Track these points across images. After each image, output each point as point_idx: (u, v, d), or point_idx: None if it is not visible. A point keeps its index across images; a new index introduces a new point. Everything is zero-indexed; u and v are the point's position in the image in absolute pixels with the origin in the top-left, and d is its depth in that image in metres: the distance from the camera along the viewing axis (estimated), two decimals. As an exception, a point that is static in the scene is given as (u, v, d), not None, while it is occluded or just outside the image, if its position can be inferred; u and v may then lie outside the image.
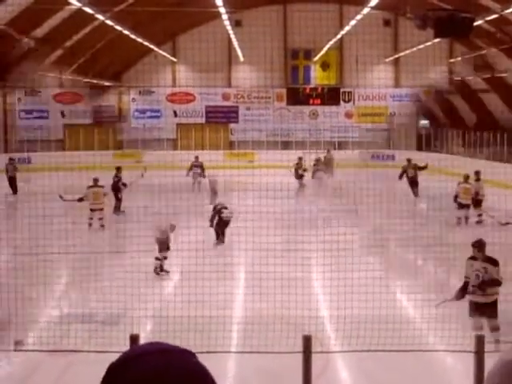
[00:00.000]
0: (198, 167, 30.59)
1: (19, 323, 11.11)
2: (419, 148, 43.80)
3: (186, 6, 34.92)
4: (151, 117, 44.17)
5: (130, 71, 43.63)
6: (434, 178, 25.38)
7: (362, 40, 36.02)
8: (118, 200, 24.88)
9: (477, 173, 23.81)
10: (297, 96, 44.05)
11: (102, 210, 22.44)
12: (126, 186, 24.88)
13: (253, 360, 10.19)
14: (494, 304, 11.03)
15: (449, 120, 43.50)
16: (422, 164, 28.47)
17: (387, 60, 43.50)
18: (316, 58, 43.60)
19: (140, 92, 44.23)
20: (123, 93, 44.92)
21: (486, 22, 32.12)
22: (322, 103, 44.09)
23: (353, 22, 32.58)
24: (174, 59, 43.80)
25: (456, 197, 23.05)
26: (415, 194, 28.85)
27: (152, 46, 38.84)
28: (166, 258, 15.76)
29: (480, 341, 8.04)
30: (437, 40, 31.70)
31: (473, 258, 11.13)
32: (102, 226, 22.12)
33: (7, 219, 23.32)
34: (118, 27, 32.00)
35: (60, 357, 10.07)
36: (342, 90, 44.59)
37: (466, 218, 22.93)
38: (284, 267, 12.60)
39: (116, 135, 44.96)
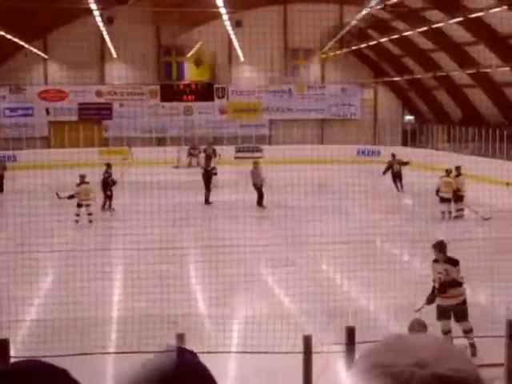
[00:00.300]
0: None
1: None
2: (404, 143, 44.45)
3: (56, 2, 34.12)
4: (23, 115, 42.92)
5: (0, 69, 42.14)
6: (420, 174, 25.73)
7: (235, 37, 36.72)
8: (107, 197, 25.05)
9: (457, 168, 23.97)
10: (171, 92, 43.89)
11: (89, 205, 23.19)
12: (115, 183, 25.36)
13: (131, 360, 10.33)
14: (462, 305, 10.77)
15: (434, 115, 43.96)
16: (405, 159, 28.98)
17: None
18: (189, 55, 43.63)
19: (10, 89, 42.92)
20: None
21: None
22: (196, 99, 44.08)
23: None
24: (46, 56, 42.73)
25: (437, 191, 23.38)
26: (399, 188, 29.27)
27: (22, 43, 37.76)
28: None
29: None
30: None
31: (436, 260, 10.93)
32: (91, 221, 22.82)
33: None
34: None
35: None
36: (215, 86, 44.84)
37: (450, 212, 23.26)
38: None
39: (101, 132, 44.12)
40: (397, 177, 29.51)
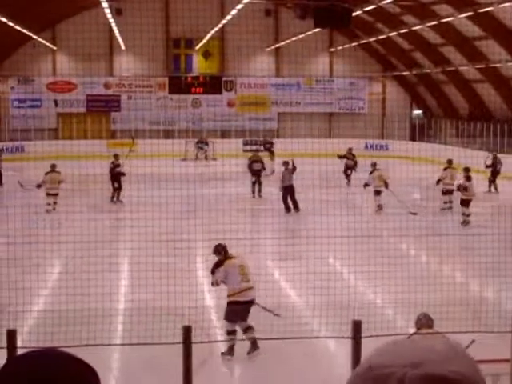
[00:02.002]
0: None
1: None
2: (413, 138, 44.22)
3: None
4: (31, 106, 43.00)
5: (9, 60, 42.23)
6: (427, 169, 25.67)
7: (243, 30, 36.65)
8: (114, 189, 25.10)
9: (449, 161, 24.27)
10: (179, 85, 44.04)
11: (57, 194, 23.84)
12: (123, 175, 25.48)
13: (137, 351, 10.38)
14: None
15: (442, 110, 43.77)
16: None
17: (268, 49, 44.20)
18: (198, 47, 43.70)
19: (19, 80, 43.02)
20: (1, 81, 43.57)
21: (365, 12, 33.30)
22: (205, 92, 44.28)
23: (234, 12, 32.77)
24: (54, 47, 42.80)
25: (440, 181, 23.75)
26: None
27: (31, 34, 37.78)
28: None
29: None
30: (317, 30, 32.53)
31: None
32: (54, 209, 23.45)
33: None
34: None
35: None
36: (223, 79, 44.91)
37: (451, 202, 23.50)
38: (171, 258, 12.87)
39: (109, 124, 44.20)
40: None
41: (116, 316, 12.30)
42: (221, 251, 11.42)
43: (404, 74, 44.62)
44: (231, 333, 10.95)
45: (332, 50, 45.16)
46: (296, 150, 34.74)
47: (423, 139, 42.85)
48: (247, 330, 10.90)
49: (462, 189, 21.94)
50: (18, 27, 34.17)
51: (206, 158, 39.79)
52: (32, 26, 36.63)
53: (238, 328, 10.96)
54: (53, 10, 38.01)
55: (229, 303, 11.12)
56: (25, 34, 37.10)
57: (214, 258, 11.52)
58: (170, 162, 25.48)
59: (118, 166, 25.91)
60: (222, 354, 10.85)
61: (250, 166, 27.45)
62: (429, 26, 33.95)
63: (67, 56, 43.28)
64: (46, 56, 43.44)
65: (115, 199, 25.62)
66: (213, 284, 11.44)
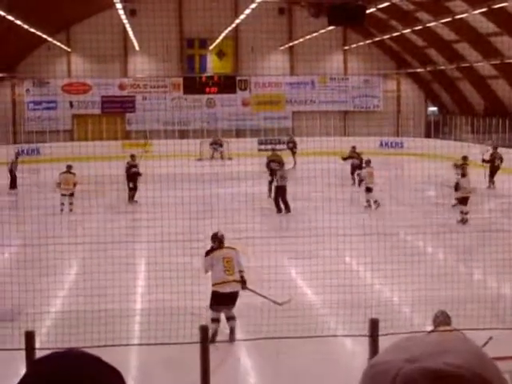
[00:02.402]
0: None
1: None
2: (428, 135, 43.87)
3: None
4: (47, 108, 43.21)
5: (24, 62, 42.51)
6: (443, 165, 25.59)
7: (257, 29, 36.67)
8: (130, 189, 25.29)
9: (464, 158, 24.42)
10: (193, 85, 44.13)
11: (72, 195, 24.21)
12: (140, 175, 25.87)
13: (156, 351, 10.39)
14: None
15: (457, 106, 43.63)
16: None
17: (282, 48, 44.19)
18: (212, 47, 43.76)
19: (34, 83, 43.25)
20: (17, 84, 43.85)
21: (379, 9, 33.21)
22: (219, 92, 44.34)
23: (247, 11, 32.79)
24: (69, 49, 43.00)
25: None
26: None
27: (46, 36, 37.97)
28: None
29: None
30: (331, 28, 32.47)
31: None
32: (71, 210, 23.75)
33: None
34: (10, 17, 31.12)
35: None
36: (238, 79, 44.95)
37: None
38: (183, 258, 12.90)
39: (125, 125, 44.46)
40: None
41: (133, 316, 12.34)
42: (215, 240, 12.00)
43: (418, 70, 44.47)
44: (214, 321, 11.37)
45: (346, 47, 45.11)
46: (311, 148, 34.79)
47: (438, 136, 42.62)
48: (229, 319, 11.47)
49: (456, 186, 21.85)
50: (32, 30, 34.34)
51: (221, 157, 39.83)
52: (47, 29, 36.81)
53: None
54: (67, 12, 38.18)
55: (211, 292, 11.69)
56: (40, 37, 37.29)
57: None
58: (186, 162, 25.52)
59: (135, 166, 26.00)
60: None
61: (267, 165, 27.43)
62: (443, 23, 33.82)
63: (82, 58, 43.47)
64: (61, 58, 43.69)
65: (131, 200, 25.71)
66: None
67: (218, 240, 11.97)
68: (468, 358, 1.18)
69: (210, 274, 11.85)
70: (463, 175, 22.03)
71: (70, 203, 24.04)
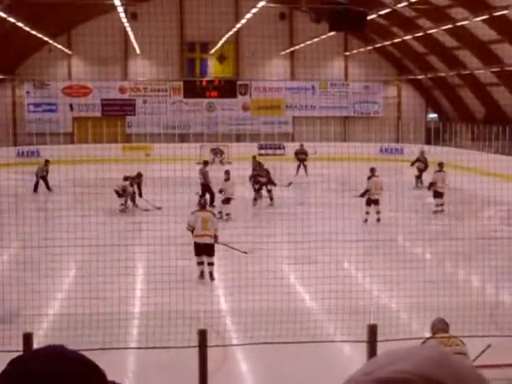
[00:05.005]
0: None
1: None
2: (428, 142, 43.83)
3: (81, -1, 34.39)
4: (47, 110, 43.23)
5: (24, 64, 42.56)
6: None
7: (258, 34, 36.71)
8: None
9: (440, 164, 24.58)
10: (194, 89, 44.18)
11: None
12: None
13: (154, 355, 10.35)
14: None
15: (457, 113, 43.65)
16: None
17: (283, 53, 44.22)
18: (212, 51, 43.80)
19: (34, 85, 43.27)
20: (18, 86, 43.89)
21: (380, 16, 33.25)
22: (219, 96, 44.39)
23: (248, 16, 32.81)
24: (69, 52, 43.04)
25: (432, 184, 24.04)
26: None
27: (47, 39, 38.01)
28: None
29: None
30: (332, 34, 32.47)
31: None
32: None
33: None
34: (12, 19, 31.14)
35: None
36: (238, 83, 44.99)
37: (442, 205, 23.80)
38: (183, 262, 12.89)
39: (125, 128, 44.43)
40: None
41: (132, 320, 12.32)
42: (199, 205, 16.72)
43: (419, 77, 44.50)
44: (199, 263, 15.33)
45: (347, 53, 45.15)
46: (311, 153, 34.83)
47: (438, 143, 42.64)
48: (209, 264, 15.29)
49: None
50: (33, 32, 34.38)
51: (221, 163, 39.89)
52: (48, 31, 36.85)
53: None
54: (68, 15, 38.20)
55: (193, 243, 15.42)
56: (40, 39, 37.33)
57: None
58: (186, 166, 25.49)
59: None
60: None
61: (254, 178, 27.08)
62: (444, 30, 33.85)
63: (83, 60, 43.53)
64: (62, 60, 43.71)
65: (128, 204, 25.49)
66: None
67: (200, 205, 16.59)
68: (421, 364, 1.18)
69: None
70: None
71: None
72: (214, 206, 24.25)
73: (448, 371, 1.19)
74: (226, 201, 23.55)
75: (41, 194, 25.35)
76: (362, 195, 22.80)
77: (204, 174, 25.95)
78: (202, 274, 15.19)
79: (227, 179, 23.81)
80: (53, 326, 11.81)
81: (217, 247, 15.80)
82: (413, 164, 30.96)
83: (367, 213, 22.46)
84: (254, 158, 30.33)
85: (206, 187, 25.48)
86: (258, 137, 44.32)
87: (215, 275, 15.32)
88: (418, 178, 30.32)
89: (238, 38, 42.81)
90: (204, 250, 15.27)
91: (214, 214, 16.46)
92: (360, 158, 29.53)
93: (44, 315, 12.12)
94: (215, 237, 15.46)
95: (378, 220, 22.33)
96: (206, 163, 27.13)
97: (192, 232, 15.58)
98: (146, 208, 24.08)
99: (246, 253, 15.47)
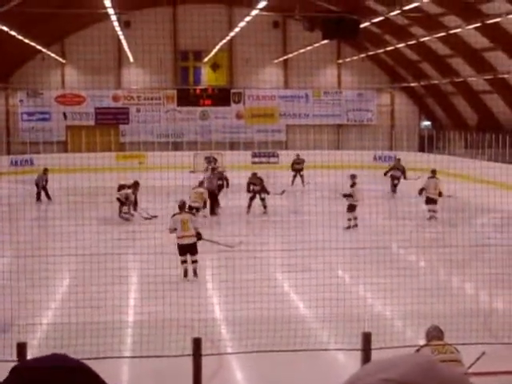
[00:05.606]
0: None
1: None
2: (421, 149, 43.99)
3: (74, 7, 34.42)
4: (40, 119, 43.21)
5: (18, 73, 42.54)
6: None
7: (252, 42, 36.74)
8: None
9: (433, 171, 24.66)
10: (187, 97, 44.22)
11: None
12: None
13: (148, 364, 10.34)
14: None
15: (451, 121, 43.78)
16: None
17: (276, 61, 44.31)
18: (206, 60, 43.86)
19: (28, 94, 43.24)
20: (11, 95, 43.86)
21: (373, 24, 33.36)
22: (213, 104, 44.44)
23: (242, 24, 32.89)
24: (63, 61, 43.05)
25: (423, 190, 24.10)
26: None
27: (40, 47, 38.02)
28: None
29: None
30: (325, 42, 32.57)
31: None
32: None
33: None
34: (5, 28, 31.15)
35: None
36: (232, 91, 45.04)
37: (435, 211, 23.89)
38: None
39: (118, 137, 44.37)
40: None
41: (126, 328, 12.28)
42: (179, 206, 16.75)
43: (412, 85, 44.64)
44: (182, 262, 15.89)
45: (340, 61, 45.28)
46: (305, 161, 34.70)
47: (432, 150, 42.73)
48: (193, 262, 15.95)
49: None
50: (27, 41, 34.39)
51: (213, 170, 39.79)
52: (41, 40, 36.86)
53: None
54: (62, 24, 38.23)
55: (176, 244, 16.06)
56: (34, 48, 37.34)
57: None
58: (179, 175, 25.47)
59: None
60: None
61: (248, 186, 27.12)
62: (437, 38, 33.98)
63: (76, 69, 43.54)
64: (55, 69, 43.72)
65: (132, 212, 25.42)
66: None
67: (179, 207, 16.72)
68: (408, 372, 1.20)
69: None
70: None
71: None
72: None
73: (435, 379, 1.20)
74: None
75: (34, 204, 25.23)
76: (346, 196, 23.12)
77: (211, 181, 26.25)
78: (185, 272, 15.85)
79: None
80: (47, 336, 11.77)
81: (204, 247, 16.32)
82: (386, 173, 30.92)
83: (349, 219, 22.83)
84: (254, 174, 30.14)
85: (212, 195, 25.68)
86: (252, 145, 44.39)
87: (208, 278, 15.52)
88: (395, 186, 30.42)
89: (231, 46, 42.90)
90: (187, 250, 16.02)
91: (193, 214, 17.50)
92: (354, 166, 29.51)
93: (38, 324, 12.08)
94: (198, 234, 16.19)
95: (356, 226, 22.77)
96: (213, 170, 27.53)
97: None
98: (146, 216, 24.04)
99: (232, 247, 16.44)
